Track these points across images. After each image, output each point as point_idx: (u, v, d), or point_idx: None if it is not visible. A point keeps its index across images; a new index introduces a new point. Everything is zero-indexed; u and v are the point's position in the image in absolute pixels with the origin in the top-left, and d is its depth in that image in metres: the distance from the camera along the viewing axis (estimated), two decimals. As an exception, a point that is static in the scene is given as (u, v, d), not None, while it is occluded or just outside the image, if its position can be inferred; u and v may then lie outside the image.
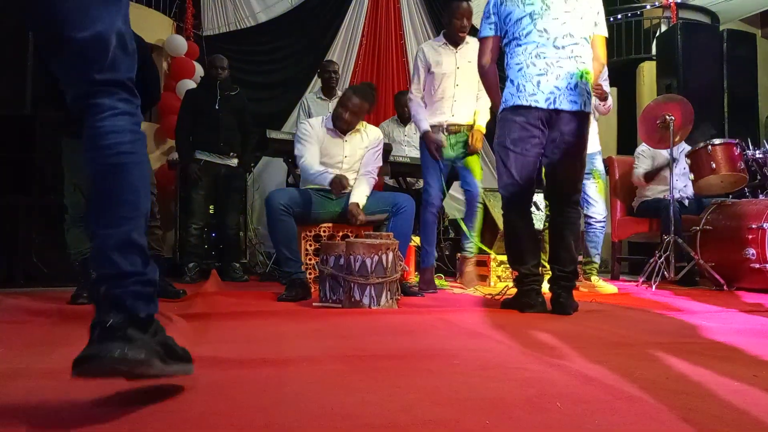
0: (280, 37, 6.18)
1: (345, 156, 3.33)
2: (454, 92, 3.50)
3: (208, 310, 2.46)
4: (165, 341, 1.09)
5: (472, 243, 3.59)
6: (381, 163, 3.46)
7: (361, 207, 3.16)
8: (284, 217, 3.03)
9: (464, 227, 3.54)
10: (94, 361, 0.96)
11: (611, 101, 3.63)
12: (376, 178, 3.42)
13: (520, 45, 2.50)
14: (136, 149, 1.15)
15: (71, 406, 1.01)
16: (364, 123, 3.48)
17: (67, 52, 1.10)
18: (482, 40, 2.63)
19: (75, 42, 1.09)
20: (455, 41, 3.53)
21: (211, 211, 4.49)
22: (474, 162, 3.53)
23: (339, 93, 4.41)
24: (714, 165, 3.82)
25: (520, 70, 2.48)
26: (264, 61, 6.18)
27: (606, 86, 3.64)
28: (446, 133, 3.49)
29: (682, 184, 4.32)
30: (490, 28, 2.60)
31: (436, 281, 3.66)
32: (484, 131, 3.54)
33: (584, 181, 3.55)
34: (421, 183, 4.73)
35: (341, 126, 3.31)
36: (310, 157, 3.24)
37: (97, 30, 1.11)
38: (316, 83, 5.67)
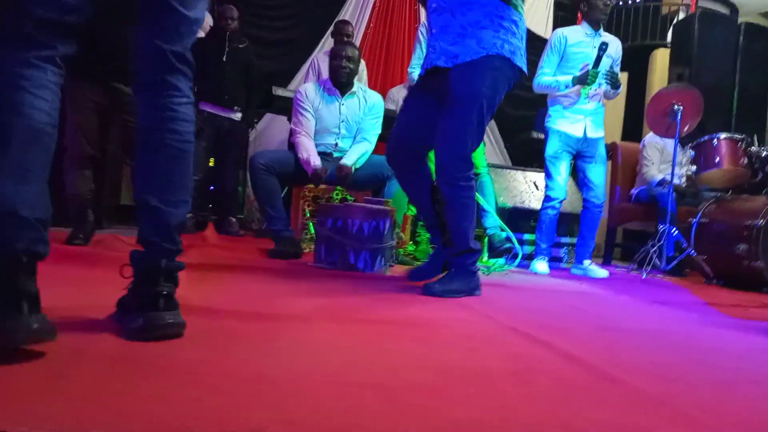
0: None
1: (341, 121, 3.32)
2: None
3: (203, 261, 2.47)
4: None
5: (493, 218, 3.57)
6: (380, 130, 3.44)
7: (351, 167, 3.19)
8: (265, 175, 3.06)
9: (481, 201, 3.45)
10: (169, 327, 1.13)
11: (620, 88, 3.59)
12: (373, 144, 3.41)
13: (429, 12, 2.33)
14: (193, 139, 1.26)
15: (61, 346, 1.02)
16: (363, 87, 3.45)
17: (170, 24, 1.18)
18: None
19: (184, 18, 1.19)
20: None
21: (211, 164, 4.47)
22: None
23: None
24: (718, 159, 3.81)
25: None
26: (274, 16, 6.07)
27: (617, 71, 3.60)
28: None
29: (682, 171, 4.34)
30: None
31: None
32: None
33: (587, 165, 3.56)
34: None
35: (342, 77, 3.27)
36: (303, 136, 3.23)
37: (197, 13, 1.22)
38: (326, 43, 5.59)
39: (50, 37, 1.04)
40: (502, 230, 3.55)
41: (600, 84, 3.46)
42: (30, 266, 0.95)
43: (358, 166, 3.25)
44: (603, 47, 3.34)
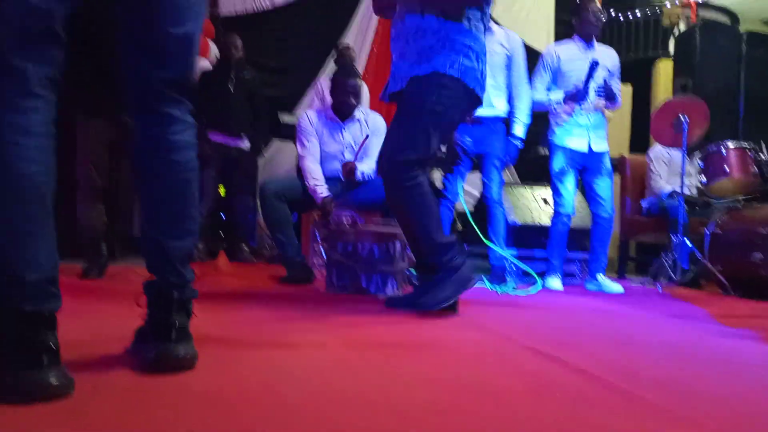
0: (295, 20, 6.16)
1: (345, 146, 3.35)
2: None
3: (216, 289, 2.48)
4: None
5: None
6: None
7: (355, 163, 3.24)
8: (274, 202, 3.08)
9: (486, 241, 3.38)
10: (179, 360, 1.11)
11: (619, 100, 3.60)
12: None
13: None
14: (197, 164, 1.19)
15: (79, 380, 1.03)
16: (365, 110, 3.48)
17: (154, 46, 1.10)
18: None
19: (169, 37, 1.10)
20: None
21: (221, 193, 4.51)
22: (496, 172, 3.49)
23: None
24: (727, 168, 3.79)
25: None
26: (278, 44, 6.17)
27: (616, 84, 3.61)
28: (469, 124, 3.49)
29: (691, 181, 4.33)
30: None
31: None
32: (520, 146, 3.50)
33: (593, 179, 3.56)
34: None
35: (348, 110, 3.31)
36: (310, 161, 3.24)
37: (188, 30, 1.12)
38: (329, 66, 5.66)
39: (32, 61, 0.95)
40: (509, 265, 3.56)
41: (590, 99, 3.46)
42: (49, 320, 0.93)
43: (368, 174, 3.26)
44: (594, 65, 3.36)
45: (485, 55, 2.20)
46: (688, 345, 1.79)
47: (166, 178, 1.15)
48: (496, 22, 4.93)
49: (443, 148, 4.23)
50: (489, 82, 3.44)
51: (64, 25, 0.99)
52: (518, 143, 3.51)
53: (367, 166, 3.27)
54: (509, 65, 3.48)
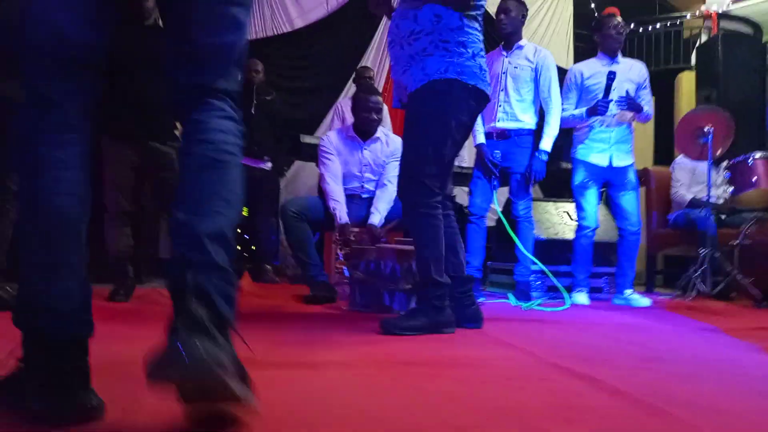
0: (315, 42, 6.25)
1: (364, 165, 3.36)
2: (498, 97, 3.50)
3: (240, 310, 2.49)
4: (238, 359, 0.91)
5: (524, 267, 3.50)
6: None
7: (380, 227, 3.20)
8: (296, 222, 3.10)
9: (523, 249, 3.42)
10: (189, 364, 0.82)
11: (649, 110, 3.56)
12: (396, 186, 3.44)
13: None
14: (238, 152, 1.08)
15: (110, 403, 1.04)
16: (387, 131, 3.50)
17: (190, 57, 1.04)
18: None
19: (206, 48, 1.04)
20: (507, 42, 3.55)
21: (244, 213, 4.56)
22: (521, 188, 3.48)
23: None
24: (755, 179, 3.72)
25: None
26: (299, 66, 6.26)
27: (646, 96, 3.58)
28: (496, 139, 3.50)
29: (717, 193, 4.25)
30: None
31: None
32: (545, 159, 3.46)
33: (618, 194, 3.52)
34: (449, 188, 4.74)
35: (372, 126, 3.33)
36: (331, 182, 3.25)
37: (226, 40, 1.06)
38: (351, 88, 5.72)
39: (68, 93, 0.95)
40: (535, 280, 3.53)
41: (613, 112, 3.44)
42: (80, 346, 0.94)
43: (382, 219, 3.27)
44: (611, 76, 3.34)
45: (482, 50, 2.19)
46: (717, 360, 1.74)
47: (193, 156, 1.03)
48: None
49: (468, 163, 4.24)
50: (514, 96, 3.48)
51: (101, 55, 0.99)
52: (544, 157, 3.47)
53: (377, 217, 3.25)
54: (536, 79, 3.50)
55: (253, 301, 2.90)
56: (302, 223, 3.12)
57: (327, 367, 1.45)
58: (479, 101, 2.19)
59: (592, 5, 6.75)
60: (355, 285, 2.74)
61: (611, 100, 3.37)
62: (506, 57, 3.54)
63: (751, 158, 3.75)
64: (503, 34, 3.54)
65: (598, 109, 3.37)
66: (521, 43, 3.54)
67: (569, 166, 4.37)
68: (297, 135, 4.32)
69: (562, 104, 3.58)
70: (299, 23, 6.21)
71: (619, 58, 3.57)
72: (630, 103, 3.42)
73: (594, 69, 3.55)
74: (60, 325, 0.92)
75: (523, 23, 3.58)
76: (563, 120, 3.56)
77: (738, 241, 3.70)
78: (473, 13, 2.16)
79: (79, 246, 0.96)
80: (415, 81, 2.13)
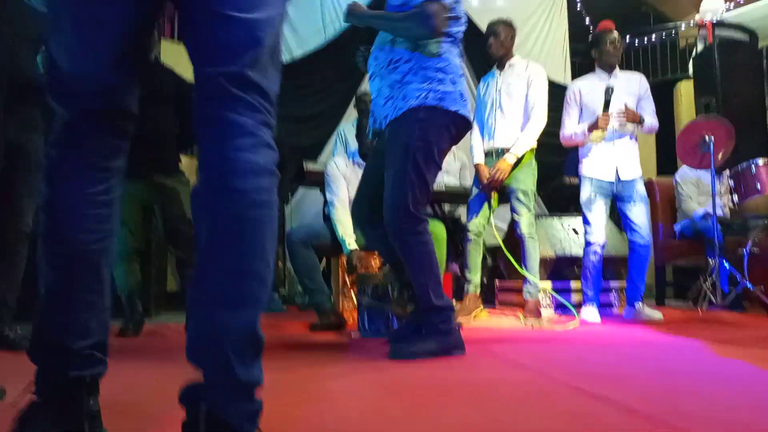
0: (315, 70, 6.33)
1: None
2: (495, 116, 3.54)
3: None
4: None
5: (532, 285, 3.51)
6: None
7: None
8: (302, 250, 3.10)
9: (522, 270, 3.43)
10: None
11: (651, 122, 3.56)
12: None
13: None
14: (273, 201, 0.87)
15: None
16: None
17: (215, 33, 0.86)
18: None
19: (235, 21, 0.85)
20: (499, 63, 3.60)
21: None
22: (523, 206, 3.45)
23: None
24: (759, 185, 3.71)
25: None
26: (300, 94, 6.33)
27: (649, 106, 3.59)
28: (495, 157, 3.51)
29: (723, 201, 4.24)
30: None
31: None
32: (511, 162, 3.41)
33: (627, 206, 3.51)
34: (458, 211, 4.75)
35: None
36: (340, 210, 3.24)
37: (257, 16, 0.87)
38: (352, 114, 5.77)
39: (98, 134, 0.94)
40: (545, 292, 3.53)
41: (614, 127, 3.45)
42: (90, 385, 0.92)
43: None
44: (609, 91, 3.36)
45: (462, 76, 2.20)
46: (732, 375, 1.72)
47: (221, 214, 0.82)
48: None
49: (458, 182, 4.25)
50: (511, 114, 3.50)
51: (124, 95, 0.95)
52: (511, 160, 3.40)
53: None
54: (527, 92, 3.52)
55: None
56: (308, 250, 3.13)
57: (337, 397, 1.44)
58: (460, 127, 2.20)
59: (587, 20, 6.82)
60: (363, 310, 2.74)
61: (610, 114, 3.39)
62: (500, 76, 3.59)
63: (754, 165, 3.75)
64: (493, 56, 3.60)
65: (597, 124, 3.38)
66: (513, 61, 3.60)
67: (573, 181, 4.36)
68: (300, 162, 4.33)
69: (564, 121, 3.60)
70: (299, 53, 6.31)
71: (617, 71, 3.60)
72: (631, 115, 3.43)
73: (592, 84, 3.58)
74: (72, 363, 0.91)
75: (513, 43, 3.63)
76: (566, 137, 3.59)
77: (746, 250, 3.68)
78: (450, 38, 2.18)
79: (97, 283, 0.94)
80: (396, 109, 2.15)
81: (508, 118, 3.52)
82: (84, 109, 0.93)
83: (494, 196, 3.55)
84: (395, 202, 2.10)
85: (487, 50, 3.59)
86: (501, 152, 3.50)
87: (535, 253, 3.47)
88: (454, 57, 2.20)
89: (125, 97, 0.96)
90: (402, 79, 2.14)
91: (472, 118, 2.24)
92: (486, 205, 3.54)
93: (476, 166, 3.57)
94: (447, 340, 2.06)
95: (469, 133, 3.51)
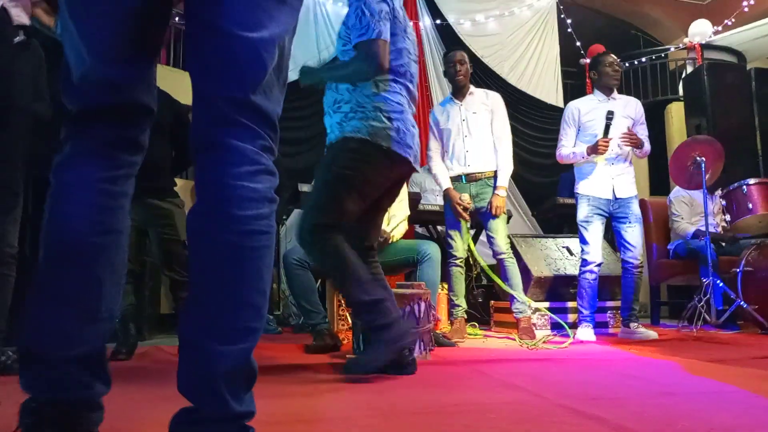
0: (310, 94, 6.38)
1: None
2: (464, 143, 3.62)
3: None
4: None
5: (521, 303, 3.54)
6: (408, 212, 3.50)
7: (390, 232, 3.27)
8: (299, 271, 3.11)
9: (506, 288, 3.49)
10: None
11: (647, 145, 3.62)
12: (405, 218, 3.49)
13: None
14: (272, 228, 0.86)
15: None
16: None
17: (218, 52, 0.83)
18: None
19: (237, 40, 0.82)
20: (460, 92, 3.69)
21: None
22: (499, 225, 3.55)
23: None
24: (751, 205, 3.75)
25: None
26: (295, 117, 6.37)
27: (642, 131, 3.64)
28: (466, 182, 3.59)
29: (715, 221, 4.28)
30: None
31: (469, 330, 3.65)
32: (504, 195, 3.56)
33: (622, 226, 3.53)
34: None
35: None
36: None
37: (263, 35, 0.84)
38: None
39: (108, 127, 0.90)
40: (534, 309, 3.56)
41: (616, 152, 3.50)
42: (87, 405, 0.86)
43: (397, 236, 3.31)
44: (609, 116, 3.41)
45: (402, 113, 2.23)
46: (727, 393, 1.72)
47: (218, 242, 0.79)
48: (497, 83, 5.08)
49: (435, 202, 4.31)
50: (478, 139, 3.61)
51: (133, 88, 0.91)
52: (503, 194, 3.55)
53: (398, 230, 3.32)
54: (492, 120, 3.63)
55: (256, 353, 2.87)
56: (304, 271, 3.12)
57: (331, 421, 1.43)
58: (395, 163, 2.21)
59: (578, 43, 6.92)
60: (359, 332, 2.72)
61: (611, 139, 3.43)
62: (461, 105, 3.67)
63: (745, 185, 3.79)
64: (459, 84, 3.67)
65: (598, 149, 3.42)
66: (471, 90, 3.71)
67: (567, 201, 4.39)
68: (295, 184, 4.35)
69: (561, 140, 3.65)
70: (293, 76, 6.35)
71: (615, 94, 3.65)
72: (631, 139, 3.47)
73: (591, 106, 3.62)
74: (73, 381, 0.84)
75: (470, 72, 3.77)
76: (563, 156, 3.63)
77: (739, 269, 3.69)
78: (389, 77, 2.22)
79: (93, 283, 0.84)
80: (333, 138, 2.26)
81: (479, 143, 3.61)
82: (95, 104, 0.90)
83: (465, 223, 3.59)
84: (303, 220, 2.17)
85: (454, 77, 3.66)
86: (471, 177, 3.59)
87: (515, 269, 3.51)
88: (395, 93, 2.23)
89: (137, 91, 0.91)
90: (345, 116, 2.23)
91: (417, 151, 2.28)
92: (465, 228, 3.57)
93: (446, 192, 3.62)
94: (391, 334, 2.04)
95: (428, 161, 3.64)
